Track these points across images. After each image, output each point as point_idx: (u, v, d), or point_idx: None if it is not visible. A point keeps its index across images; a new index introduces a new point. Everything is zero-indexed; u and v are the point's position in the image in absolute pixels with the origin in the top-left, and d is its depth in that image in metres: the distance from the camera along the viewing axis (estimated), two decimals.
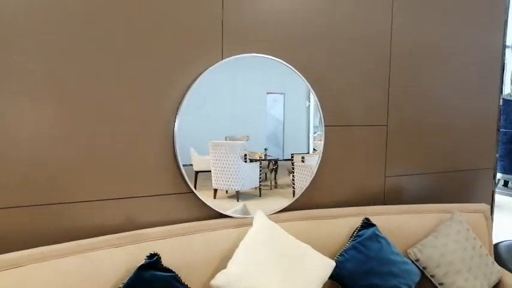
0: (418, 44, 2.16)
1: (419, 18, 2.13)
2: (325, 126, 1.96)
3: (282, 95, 1.87)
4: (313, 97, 1.92)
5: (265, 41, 1.81)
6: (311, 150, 1.97)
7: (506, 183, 6.25)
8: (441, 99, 2.27)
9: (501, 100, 2.44)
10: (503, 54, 2.42)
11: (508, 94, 5.84)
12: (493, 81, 2.42)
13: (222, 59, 1.72)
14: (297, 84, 1.88)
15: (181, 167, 1.66)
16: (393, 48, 2.10)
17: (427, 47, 2.18)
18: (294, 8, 1.86)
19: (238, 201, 1.78)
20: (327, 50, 1.95)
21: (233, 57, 1.73)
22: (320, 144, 1.92)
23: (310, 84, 1.91)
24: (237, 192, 1.79)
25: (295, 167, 1.90)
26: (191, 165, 1.67)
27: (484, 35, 2.35)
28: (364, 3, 2.00)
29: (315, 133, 1.97)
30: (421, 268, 1.83)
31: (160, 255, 1.43)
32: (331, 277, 1.68)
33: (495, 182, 2.51)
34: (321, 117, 1.94)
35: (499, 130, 2.48)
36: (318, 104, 1.94)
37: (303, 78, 1.88)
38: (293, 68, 1.85)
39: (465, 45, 2.30)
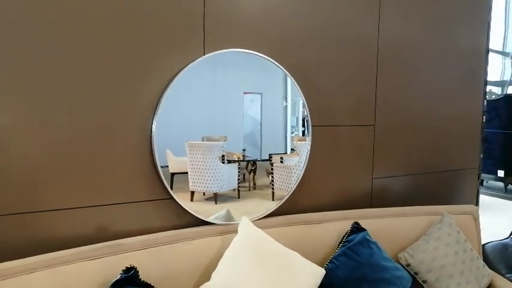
0: (405, 45, 2.16)
1: (405, 21, 2.13)
2: (312, 126, 1.91)
3: (259, 95, 1.85)
4: (300, 97, 1.87)
5: (251, 37, 1.74)
6: (289, 151, 1.94)
7: (481, 182, 6.42)
8: (427, 99, 2.27)
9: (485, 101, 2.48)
10: (487, 56, 2.45)
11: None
12: (477, 82, 2.44)
13: (204, 55, 1.64)
14: (274, 84, 1.86)
15: (160, 171, 1.58)
16: (380, 48, 2.08)
17: (414, 48, 2.18)
18: (282, 5, 1.81)
19: (216, 203, 1.74)
20: (315, 49, 1.91)
21: (215, 52, 1.65)
22: (301, 145, 1.89)
23: (297, 83, 1.85)
24: (215, 194, 1.74)
25: (274, 168, 1.87)
26: (166, 166, 1.61)
27: (468, 36, 2.36)
28: (353, 4, 1.97)
29: (292, 133, 1.94)
30: (413, 273, 1.78)
31: (137, 268, 1.34)
32: (321, 285, 1.59)
33: (480, 182, 2.50)
34: (308, 117, 1.89)
35: (483, 130, 2.49)
36: (306, 103, 1.88)
37: (291, 76, 1.83)
38: (280, 66, 1.79)
39: (450, 47, 2.30)
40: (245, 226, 1.59)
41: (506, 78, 7.95)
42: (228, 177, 1.78)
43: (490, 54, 2.48)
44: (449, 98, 2.34)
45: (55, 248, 1.38)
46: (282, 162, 1.89)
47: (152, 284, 1.35)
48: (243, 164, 1.83)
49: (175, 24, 1.58)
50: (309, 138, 1.89)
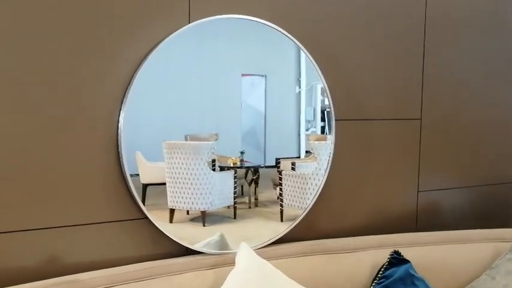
0: (460, 11, 1.92)
1: None
2: (335, 120, 1.69)
3: (263, 78, 1.69)
4: (319, 80, 1.64)
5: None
6: (303, 154, 1.79)
7: None
8: (494, 85, 2.04)
9: None
10: None
11: None
12: None
13: (190, 23, 1.43)
14: (284, 63, 1.71)
15: (130, 181, 1.38)
16: (429, 15, 1.85)
17: (472, 15, 1.95)
18: None
19: (204, 225, 1.58)
20: (339, 15, 1.71)
21: (205, 19, 1.43)
22: (320, 146, 1.72)
23: (315, 60, 1.62)
24: (203, 213, 1.58)
25: (283, 177, 1.71)
26: (137, 175, 1.43)
27: None
28: None
29: (307, 130, 1.79)
30: None
31: None
32: None
33: None
34: (330, 108, 1.68)
35: None
36: (327, 89, 1.66)
37: (307, 52, 1.61)
38: (292, 38, 1.56)
39: None
40: (245, 256, 1.40)
41: None
42: (221, 189, 1.62)
43: None
44: None
45: None
46: (293, 169, 1.71)
47: None
48: (241, 172, 1.68)
49: None
50: (331, 137, 1.70)
